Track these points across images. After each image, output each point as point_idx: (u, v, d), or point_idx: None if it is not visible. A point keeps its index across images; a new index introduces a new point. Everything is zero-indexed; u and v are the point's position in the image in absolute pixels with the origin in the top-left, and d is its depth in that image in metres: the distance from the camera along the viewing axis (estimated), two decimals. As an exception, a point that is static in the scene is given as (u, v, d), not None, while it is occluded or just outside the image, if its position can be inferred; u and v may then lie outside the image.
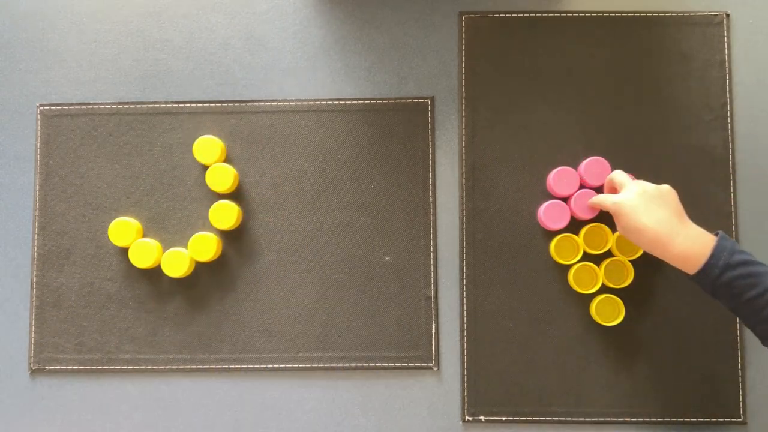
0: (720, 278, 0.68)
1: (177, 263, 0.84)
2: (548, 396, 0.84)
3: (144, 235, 0.86)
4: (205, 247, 0.84)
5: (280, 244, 0.86)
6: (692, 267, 0.70)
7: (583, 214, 0.83)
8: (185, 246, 0.85)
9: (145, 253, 0.84)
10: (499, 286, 0.85)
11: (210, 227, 0.86)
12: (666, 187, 0.75)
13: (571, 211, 0.84)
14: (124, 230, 0.84)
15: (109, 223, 0.85)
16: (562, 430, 0.84)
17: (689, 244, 0.70)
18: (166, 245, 0.86)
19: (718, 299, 0.71)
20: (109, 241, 0.85)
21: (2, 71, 0.89)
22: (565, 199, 0.84)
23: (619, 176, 0.79)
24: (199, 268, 0.86)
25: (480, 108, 0.87)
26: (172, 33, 0.90)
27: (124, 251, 0.85)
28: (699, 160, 0.86)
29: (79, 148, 0.88)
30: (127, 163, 0.87)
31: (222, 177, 0.85)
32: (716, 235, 0.71)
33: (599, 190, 0.84)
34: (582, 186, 0.84)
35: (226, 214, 0.84)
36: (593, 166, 0.84)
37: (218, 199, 0.85)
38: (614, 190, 0.80)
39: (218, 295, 0.86)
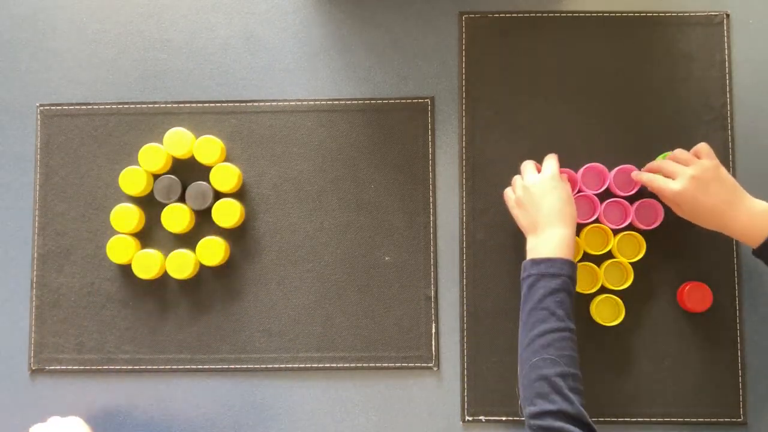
0: None
1: (182, 265, 0.84)
2: (548, 396, 0.84)
3: (144, 236, 0.86)
4: (212, 251, 0.84)
5: (280, 244, 0.86)
6: (756, 240, 0.72)
7: (581, 218, 0.83)
8: (187, 246, 0.85)
9: (148, 264, 0.84)
10: (499, 286, 0.85)
11: (213, 226, 0.85)
12: (714, 165, 0.76)
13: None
14: (122, 247, 0.84)
15: (109, 223, 0.85)
16: (562, 430, 0.84)
17: (751, 217, 0.73)
18: (167, 246, 0.86)
19: None
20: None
21: (2, 71, 0.89)
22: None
23: (671, 166, 0.77)
24: (200, 268, 0.86)
25: (480, 108, 0.87)
26: (172, 33, 0.90)
27: (124, 251, 0.85)
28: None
29: (79, 148, 0.88)
30: (127, 163, 0.87)
31: (226, 176, 0.85)
32: None
33: (597, 193, 0.84)
34: (580, 190, 0.84)
35: (229, 212, 0.84)
36: (590, 173, 0.83)
37: (221, 198, 0.85)
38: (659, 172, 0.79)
39: (218, 294, 0.86)
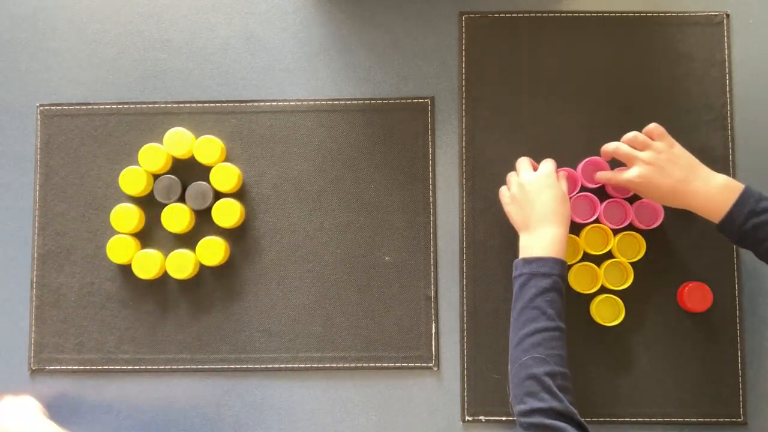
0: (745, 225, 0.70)
1: (182, 265, 0.84)
2: (548, 396, 0.84)
3: (144, 236, 0.86)
4: (212, 251, 0.84)
5: (281, 244, 0.86)
6: (718, 215, 0.72)
7: (582, 218, 0.83)
8: (187, 246, 0.85)
9: (148, 264, 0.84)
10: (499, 286, 0.85)
11: (213, 226, 0.85)
12: (668, 145, 0.76)
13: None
14: (122, 247, 0.84)
15: (109, 223, 0.85)
16: (562, 430, 0.84)
17: (713, 193, 0.73)
18: (167, 246, 0.86)
19: (744, 247, 0.74)
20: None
21: (2, 71, 0.89)
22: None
23: (624, 150, 0.77)
24: (200, 268, 0.86)
25: (480, 108, 0.87)
26: (172, 33, 0.90)
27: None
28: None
29: (79, 148, 0.88)
30: (127, 163, 0.87)
31: (226, 176, 0.85)
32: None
33: (597, 191, 0.84)
34: (582, 188, 0.84)
35: (229, 212, 0.84)
36: (590, 167, 0.83)
37: (221, 198, 0.85)
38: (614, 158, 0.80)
39: (218, 294, 0.86)
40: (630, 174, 0.76)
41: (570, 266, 0.83)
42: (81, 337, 0.86)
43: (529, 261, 0.75)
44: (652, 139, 0.77)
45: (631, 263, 0.83)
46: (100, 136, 0.88)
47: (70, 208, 0.87)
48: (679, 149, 0.76)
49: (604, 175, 0.80)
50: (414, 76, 0.88)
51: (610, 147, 0.79)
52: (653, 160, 0.75)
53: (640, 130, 0.78)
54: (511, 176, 0.82)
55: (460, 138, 0.87)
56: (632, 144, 0.77)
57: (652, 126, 0.77)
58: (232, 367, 0.85)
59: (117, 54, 0.89)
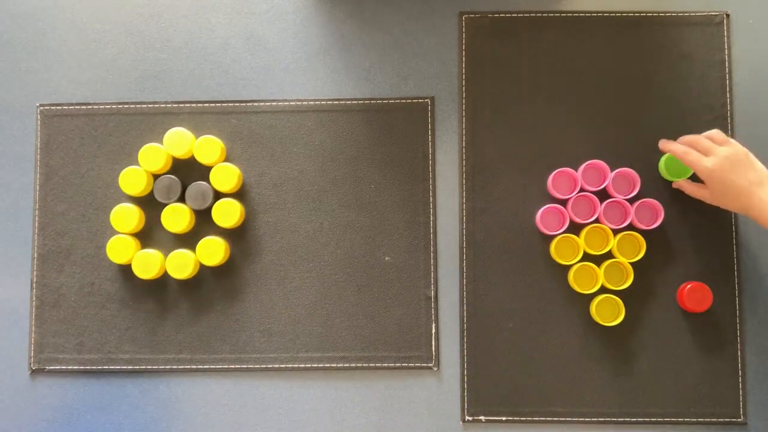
0: None
1: (182, 265, 0.84)
2: (548, 396, 0.84)
3: (144, 235, 0.86)
4: (212, 251, 0.84)
5: (281, 244, 0.86)
6: None
7: (582, 218, 0.83)
8: (187, 246, 0.85)
9: (148, 264, 0.84)
10: (499, 286, 0.85)
11: (213, 226, 0.86)
12: (746, 150, 0.78)
13: (569, 213, 0.83)
14: (122, 247, 0.84)
15: (109, 223, 0.85)
16: (562, 430, 0.84)
17: None
18: (167, 246, 0.86)
19: None
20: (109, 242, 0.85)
21: (2, 71, 0.89)
22: (565, 201, 0.84)
23: (704, 143, 0.79)
24: (200, 268, 0.86)
25: (480, 108, 0.87)
26: (172, 33, 0.90)
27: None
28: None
29: (79, 148, 0.88)
30: (127, 163, 0.87)
31: (226, 176, 0.85)
32: None
33: (597, 193, 0.84)
34: (582, 189, 0.84)
35: (229, 212, 0.84)
36: (591, 170, 0.84)
37: (221, 198, 0.85)
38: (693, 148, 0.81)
39: (218, 294, 0.86)
40: (707, 162, 0.77)
41: (570, 266, 0.84)
42: (81, 337, 0.86)
43: None
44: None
45: (631, 263, 0.83)
46: (100, 136, 0.88)
47: (70, 208, 0.87)
48: (754, 157, 0.78)
49: (679, 148, 0.80)
50: (414, 76, 0.88)
51: (687, 139, 0.80)
52: (732, 155, 0.77)
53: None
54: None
55: (460, 138, 0.87)
56: (713, 138, 0.79)
57: (714, 131, 0.79)
58: (232, 367, 0.85)
59: (117, 54, 0.89)
